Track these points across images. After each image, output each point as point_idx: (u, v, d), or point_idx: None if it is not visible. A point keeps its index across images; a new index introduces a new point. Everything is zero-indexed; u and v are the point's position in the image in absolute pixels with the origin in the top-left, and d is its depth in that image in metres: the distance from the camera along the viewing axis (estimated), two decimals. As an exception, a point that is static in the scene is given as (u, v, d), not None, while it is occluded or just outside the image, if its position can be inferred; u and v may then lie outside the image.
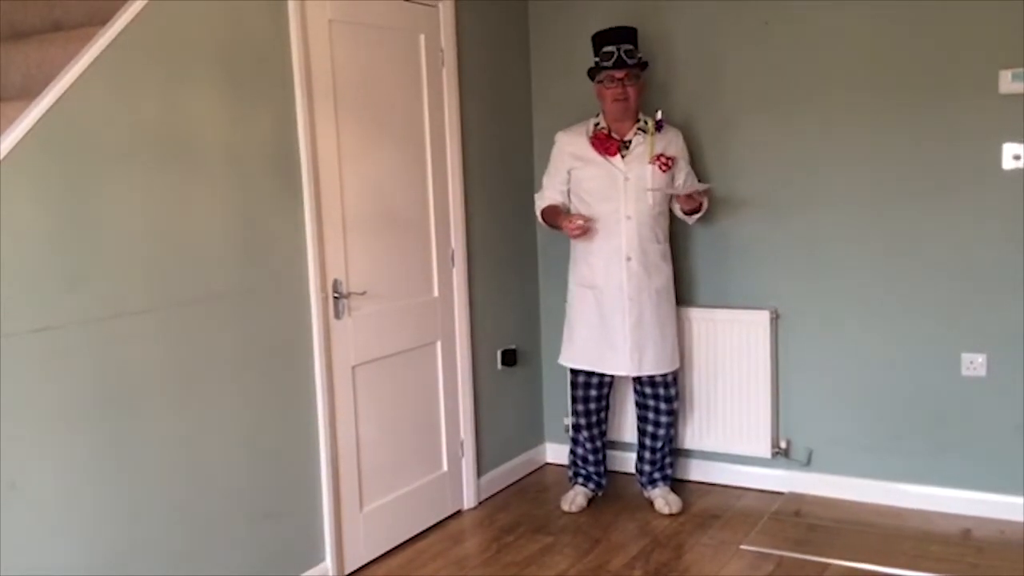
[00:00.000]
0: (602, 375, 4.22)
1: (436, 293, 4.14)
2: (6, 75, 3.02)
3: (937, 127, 3.91)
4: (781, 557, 3.72)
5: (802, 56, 4.14)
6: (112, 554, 2.80)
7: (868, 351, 4.15)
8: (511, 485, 4.63)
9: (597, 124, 4.10)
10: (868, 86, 4.02)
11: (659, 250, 4.11)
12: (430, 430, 4.15)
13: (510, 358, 4.61)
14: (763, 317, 4.27)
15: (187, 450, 3.02)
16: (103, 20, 2.79)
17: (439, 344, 4.16)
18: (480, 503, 4.40)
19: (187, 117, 2.99)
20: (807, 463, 4.33)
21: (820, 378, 4.26)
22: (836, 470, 4.26)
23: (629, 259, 4.02)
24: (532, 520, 4.19)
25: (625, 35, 4.02)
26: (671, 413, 4.23)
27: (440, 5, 4.08)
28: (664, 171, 4.05)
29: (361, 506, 3.75)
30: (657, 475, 4.29)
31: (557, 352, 4.34)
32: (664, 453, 4.28)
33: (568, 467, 4.45)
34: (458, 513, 4.30)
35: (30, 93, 2.76)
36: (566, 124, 4.24)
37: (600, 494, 4.39)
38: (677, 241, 4.37)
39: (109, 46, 2.73)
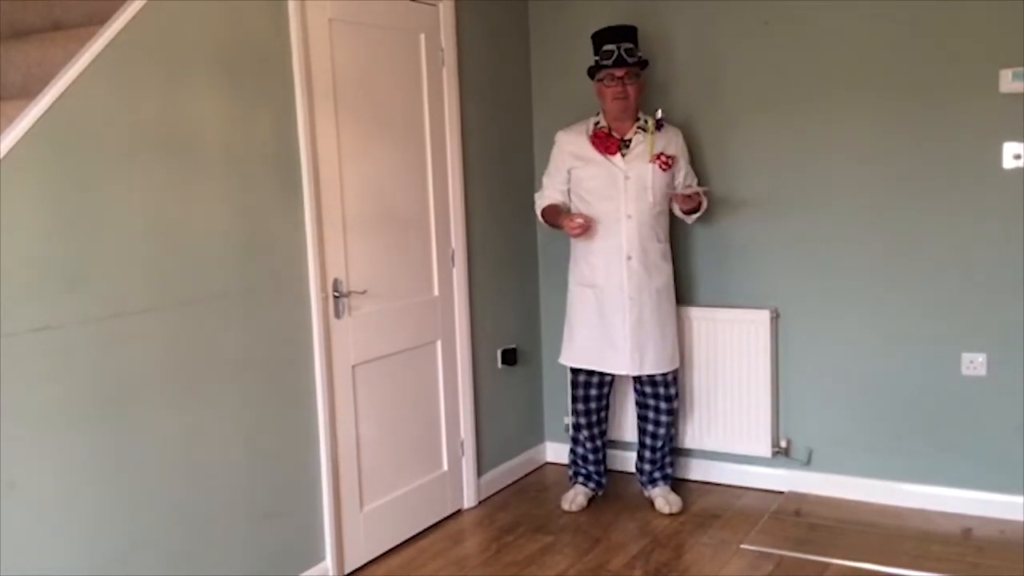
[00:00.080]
0: (602, 374, 4.22)
1: (436, 292, 4.14)
2: (6, 74, 3.02)
3: (937, 127, 3.91)
4: (781, 557, 3.72)
5: (802, 56, 4.13)
6: (112, 554, 2.80)
7: (868, 350, 4.15)
8: (511, 484, 4.63)
9: (597, 123, 4.10)
10: (868, 86, 4.02)
11: (659, 249, 4.11)
12: (430, 429, 4.15)
13: (510, 357, 4.61)
14: (763, 316, 4.27)
15: (187, 449, 3.02)
16: (103, 20, 2.79)
17: (439, 343, 4.16)
18: (480, 502, 4.40)
19: (187, 117, 2.99)
20: (807, 462, 4.33)
21: (820, 377, 4.26)
22: (836, 469, 4.26)
23: (629, 258, 4.02)
24: (532, 519, 4.19)
25: (625, 34, 4.02)
26: (671, 412, 4.23)
27: (440, 5, 4.07)
28: (664, 170, 4.04)
29: (361, 505, 3.75)
30: (657, 474, 4.29)
31: (557, 351, 4.34)
32: (664, 452, 4.28)
33: (568, 466, 4.45)
34: (458, 512, 4.30)
35: (30, 92, 2.75)
36: (566, 123, 4.24)
37: (600, 493, 4.39)
38: (677, 240, 4.37)
39: (109, 46, 2.73)
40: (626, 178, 4.02)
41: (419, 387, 4.08)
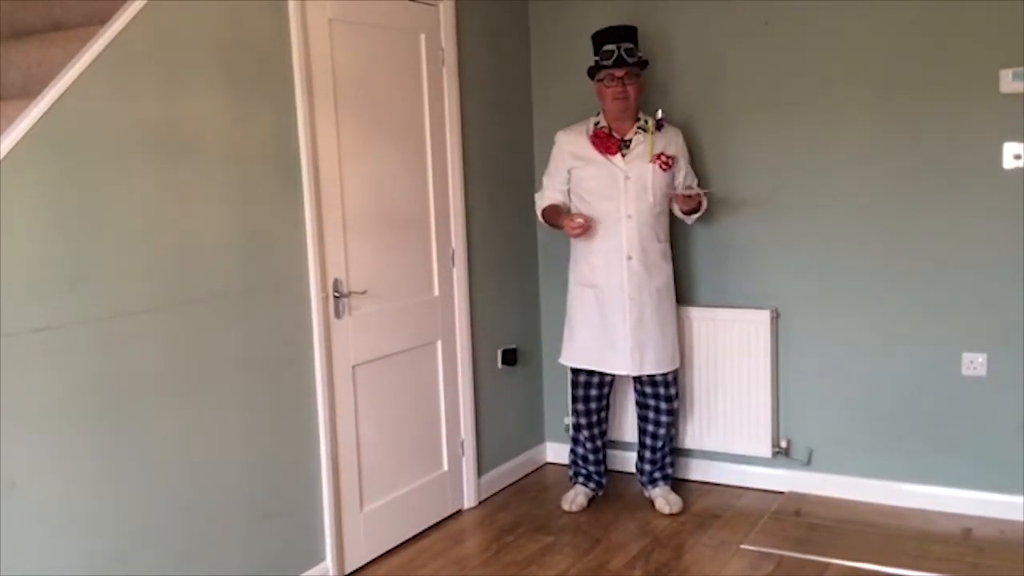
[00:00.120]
0: (603, 374, 4.22)
1: (436, 292, 4.14)
2: (6, 74, 3.02)
3: (937, 127, 3.91)
4: (781, 557, 3.72)
5: (802, 56, 4.13)
6: (112, 554, 2.80)
7: (868, 350, 4.15)
8: (511, 485, 4.63)
9: (597, 123, 4.10)
10: (868, 85, 4.02)
11: (660, 249, 4.11)
12: (430, 429, 4.15)
13: (510, 357, 4.61)
14: (763, 316, 4.27)
15: (187, 449, 3.02)
16: (103, 20, 2.79)
17: (439, 343, 4.16)
18: (480, 503, 4.40)
19: (187, 117, 2.99)
20: (807, 462, 4.33)
21: (820, 377, 4.26)
22: (837, 470, 4.26)
23: (630, 258, 4.02)
24: (532, 520, 4.19)
25: (625, 34, 4.02)
26: (671, 412, 4.23)
27: (440, 5, 4.08)
28: (664, 170, 4.04)
29: (361, 506, 3.75)
30: (657, 474, 4.29)
31: (557, 351, 4.34)
32: (664, 452, 4.28)
33: (568, 466, 4.45)
34: (458, 513, 4.30)
35: (30, 92, 2.76)
36: (566, 123, 4.24)
37: (600, 493, 4.39)
38: (677, 240, 4.37)
39: (109, 46, 2.73)
40: (626, 178, 4.02)
41: (419, 387, 4.08)
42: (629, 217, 4.02)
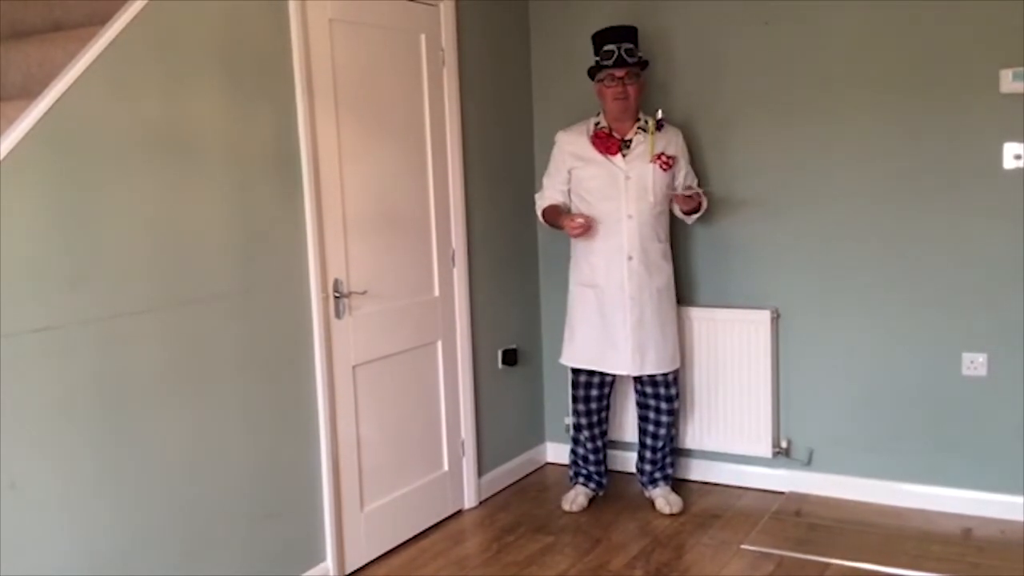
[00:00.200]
0: (603, 374, 4.22)
1: (437, 292, 4.14)
2: (6, 75, 3.02)
3: (937, 127, 3.91)
4: (782, 557, 3.72)
5: (802, 56, 4.13)
6: (112, 554, 2.80)
7: (869, 350, 4.15)
8: (512, 485, 4.63)
9: (597, 123, 4.10)
10: (868, 85, 4.02)
11: (660, 249, 4.11)
12: (431, 430, 4.15)
13: (511, 358, 4.61)
14: (764, 316, 4.27)
15: (187, 449, 3.02)
16: (103, 20, 2.79)
17: (440, 344, 4.16)
18: (481, 503, 4.40)
19: (188, 117, 2.99)
20: (808, 463, 4.33)
21: (821, 377, 4.26)
22: (837, 470, 4.26)
23: (630, 258, 4.02)
24: (533, 520, 4.19)
25: (625, 34, 4.02)
26: (672, 413, 4.23)
27: (441, 5, 4.08)
28: (665, 170, 4.04)
29: (362, 506, 3.75)
30: (658, 475, 4.29)
31: (558, 352, 4.34)
32: (665, 453, 4.28)
33: (569, 467, 4.45)
34: (459, 513, 4.30)
35: (30, 93, 2.76)
36: (566, 123, 4.24)
37: (601, 494, 4.39)
38: (678, 241, 4.37)
39: (109, 46, 2.73)
40: (627, 178, 4.02)
41: (420, 387, 4.08)
42: (630, 217, 4.02)
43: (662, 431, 4.23)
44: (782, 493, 4.34)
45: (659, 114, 4.09)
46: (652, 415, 4.24)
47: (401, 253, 3.94)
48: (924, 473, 4.09)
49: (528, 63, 4.73)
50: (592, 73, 4.10)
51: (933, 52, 3.88)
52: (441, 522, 4.19)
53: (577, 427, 4.33)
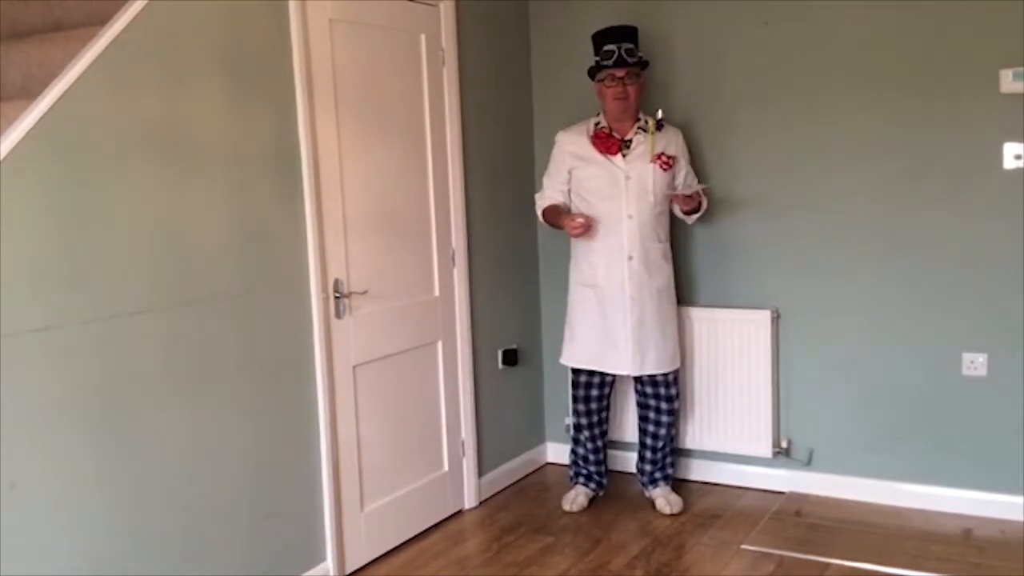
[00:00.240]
0: (603, 374, 4.22)
1: (437, 293, 4.14)
2: (6, 75, 3.02)
3: (937, 126, 3.91)
4: (782, 557, 3.71)
5: (802, 56, 4.13)
6: (112, 554, 2.80)
7: (869, 351, 4.15)
8: (512, 485, 4.63)
9: (598, 123, 4.10)
10: (868, 85, 4.02)
11: (660, 249, 4.11)
12: (431, 430, 4.15)
13: (511, 358, 4.61)
14: (764, 317, 4.27)
15: (187, 450, 3.02)
16: (103, 20, 2.79)
17: (440, 344, 4.16)
18: (481, 503, 4.40)
19: (188, 117, 2.99)
20: (808, 463, 4.33)
21: (821, 378, 4.26)
22: (837, 470, 4.26)
23: (631, 258, 4.02)
24: (533, 520, 4.19)
25: (625, 34, 4.02)
26: (672, 413, 4.23)
27: (441, 5, 4.08)
28: (665, 170, 4.05)
29: (362, 506, 3.75)
30: (658, 475, 4.29)
31: (558, 352, 4.34)
32: (665, 453, 4.27)
33: (569, 467, 4.45)
34: (459, 513, 4.30)
35: (31, 93, 2.76)
36: (567, 124, 4.24)
37: (601, 494, 4.39)
38: (678, 241, 4.37)
39: (109, 46, 2.73)
40: (627, 178, 4.02)
41: (420, 387, 4.08)
42: (630, 217, 4.02)
43: (662, 431, 4.23)
44: (782, 493, 4.34)
45: (659, 114, 4.09)
46: (652, 415, 4.24)
47: (401, 253, 3.94)
48: (924, 473, 4.09)
49: (528, 63, 4.73)
50: (592, 73, 4.10)
51: (933, 52, 3.88)
52: (441, 522, 4.19)
53: (577, 427, 4.33)
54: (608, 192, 4.03)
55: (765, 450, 4.32)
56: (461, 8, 4.18)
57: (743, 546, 3.83)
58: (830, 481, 4.27)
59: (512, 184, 4.60)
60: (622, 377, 4.27)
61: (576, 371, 4.27)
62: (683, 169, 4.16)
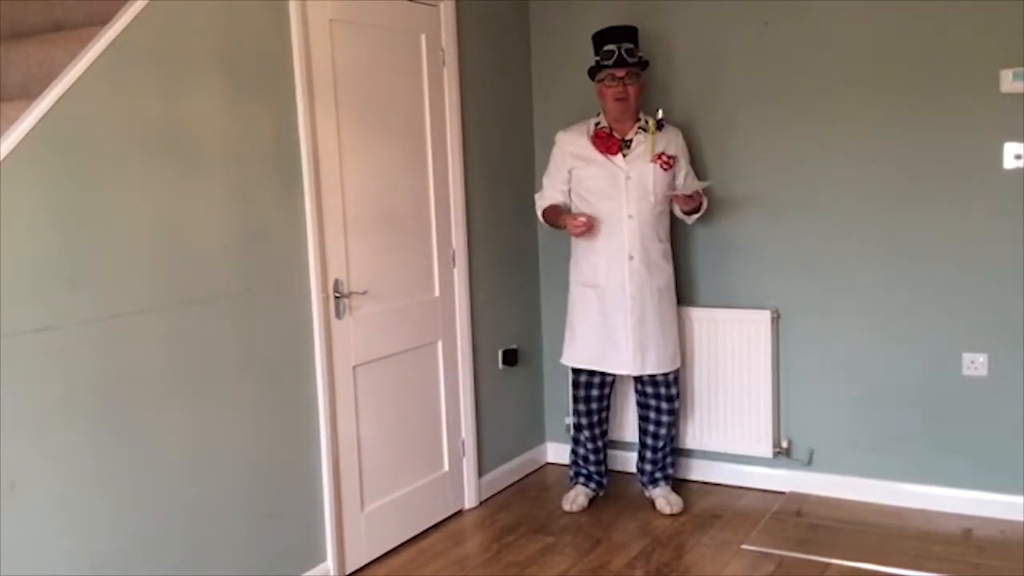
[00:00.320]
0: (604, 374, 4.22)
1: (437, 293, 4.14)
2: (6, 75, 3.02)
3: (938, 127, 3.91)
4: (782, 557, 3.71)
5: (802, 56, 4.13)
6: (112, 554, 2.80)
7: (869, 350, 4.14)
8: (512, 485, 4.63)
9: (598, 123, 4.10)
10: (868, 85, 4.02)
11: (661, 249, 4.11)
12: (431, 430, 4.15)
13: (511, 358, 4.61)
14: (764, 317, 4.27)
15: (187, 450, 3.02)
16: (103, 20, 2.79)
17: (440, 344, 4.16)
18: (481, 503, 4.40)
19: (188, 117, 2.99)
20: (808, 463, 4.33)
21: (821, 378, 4.26)
22: (837, 470, 4.26)
23: (631, 258, 4.02)
24: (533, 520, 4.19)
25: (626, 34, 4.02)
26: (672, 413, 4.23)
27: (441, 5, 4.08)
28: (665, 170, 4.05)
29: (362, 506, 3.75)
30: (658, 475, 4.29)
31: (558, 352, 4.34)
32: (665, 453, 4.27)
33: (569, 467, 4.45)
34: (459, 513, 4.30)
35: (31, 93, 2.76)
36: (567, 123, 4.24)
37: (601, 494, 4.39)
38: (678, 240, 4.37)
39: (109, 46, 2.73)
40: (627, 178, 4.02)
41: (420, 388, 4.08)
42: (630, 217, 4.02)
43: (662, 431, 4.23)
44: (782, 493, 4.34)
45: (659, 114, 4.09)
46: (652, 415, 4.24)
47: (401, 253, 3.94)
48: (924, 473, 4.09)
49: (528, 63, 4.73)
50: (592, 73, 4.10)
51: (933, 52, 3.88)
52: (441, 522, 4.19)
53: (577, 427, 4.33)
54: (608, 192, 4.03)
55: (765, 450, 4.32)
56: (461, 8, 4.18)
57: (743, 546, 3.83)
58: (830, 481, 4.27)
59: (512, 184, 4.60)
60: (622, 377, 4.27)
61: (576, 371, 4.27)
62: (683, 169, 4.16)
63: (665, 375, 4.17)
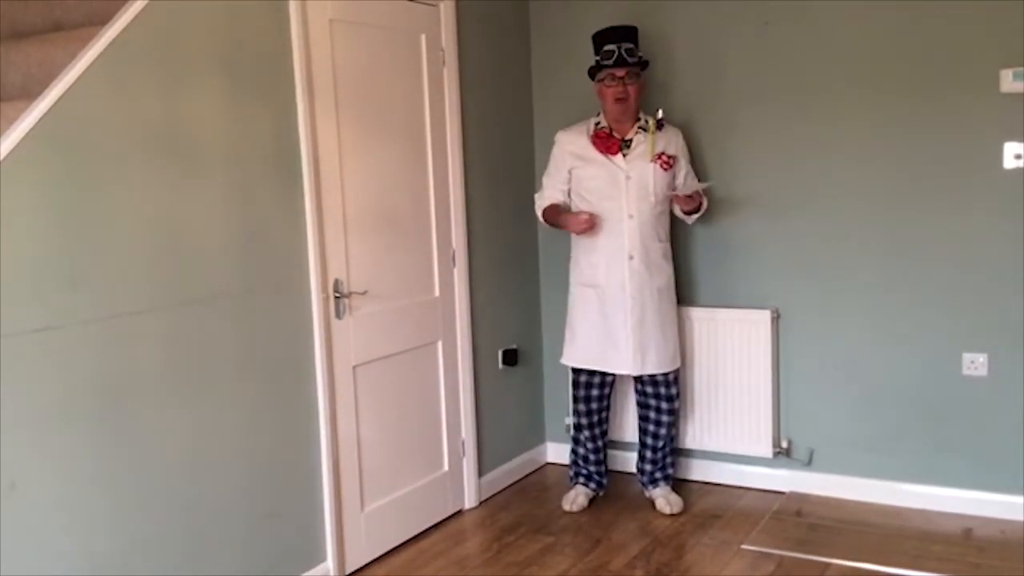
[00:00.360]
0: (604, 374, 4.22)
1: (437, 293, 4.14)
2: (6, 75, 3.02)
3: (938, 126, 3.91)
4: (782, 557, 3.71)
5: (802, 56, 4.13)
6: (112, 554, 2.80)
7: (869, 350, 4.14)
8: (512, 485, 4.63)
9: (598, 123, 4.10)
10: (868, 85, 4.02)
11: (661, 249, 4.12)
12: (431, 430, 4.15)
13: (511, 358, 4.61)
14: (764, 317, 4.27)
15: (187, 450, 3.02)
16: (103, 20, 2.79)
17: (440, 344, 4.16)
18: (481, 503, 4.40)
19: (188, 117, 2.99)
20: (808, 463, 4.33)
21: (821, 378, 4.26)
22: (837, 470, 4.26)
23: (631, 258, 4.02)
24: (533, 520, 4.19)
25: (626, 34, 4.02)
26: (672, 412, 4.23)
27: (441, 5, 4.08)
28: (665, 170, 4.05)
29: (362, 506, 3.75)
30: (658, 475, 4.29)
31: (558, 352, 4.34)
32: (665, 453, 4.27)
33: (569, 467, 4.45)
34: (459, 513, 4.30)
35: (31, 93, 2.76)
36: (567, 123, 4.24)
37: (601, 494, 4.39)
38: (678, 240, 4.37)
39: (109, 46, 2.73)
40: (627, 178, 4.02)
41: (420, 388, 4.08)
42: (631, 217, 4.02)
43: (662, 431, 4.23)
44: (782, 493, 4.34)
45: (659, 114, 4.09)
46: (652, 415, 4.24)
47: (401, 253, 3.94)
48: (924, 473, 4.09)
49: (528, 63, 4.73)
50: (592, 73, 4.10)
51: (933, 52, 3.88)
52: (441, 522, 4.19)
53: (577, 427, 4.33)
54: (608, 192, 4.03)
55: (765, 450, 4.32)
56: (461, 8, 4.18)
57: (743, 546, 3.83)
58: (830, 481, 4.27)
59: (512, 184, 4.60)
60: (622, 377, 4.28)
61: (576, 371, 4.27)
62: (683, 169, 4.16)
63: (665, 375, 4.17)
